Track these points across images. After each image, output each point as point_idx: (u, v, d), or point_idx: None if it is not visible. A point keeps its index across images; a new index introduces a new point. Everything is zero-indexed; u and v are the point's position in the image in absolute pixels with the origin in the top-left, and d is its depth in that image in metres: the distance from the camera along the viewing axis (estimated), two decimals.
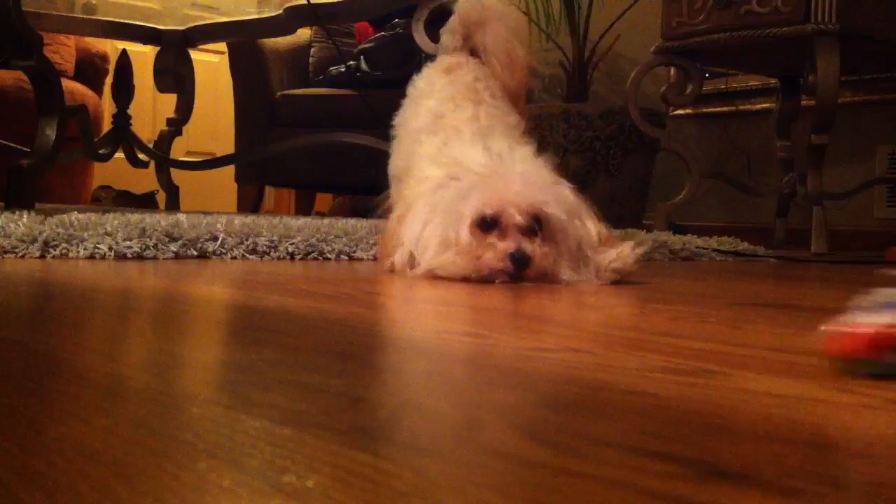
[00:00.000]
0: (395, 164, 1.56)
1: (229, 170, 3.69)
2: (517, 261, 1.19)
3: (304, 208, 4.20)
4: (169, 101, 3.33)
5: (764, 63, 2.89)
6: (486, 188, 1.23)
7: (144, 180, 3.76)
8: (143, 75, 3.31)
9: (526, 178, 1.25)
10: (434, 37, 2.21)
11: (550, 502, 0.31)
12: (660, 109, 3.18)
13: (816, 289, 1.44)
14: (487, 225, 1.22)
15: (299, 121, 3.42)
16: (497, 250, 1.20)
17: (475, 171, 1.27)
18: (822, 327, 0.56)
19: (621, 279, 1.24)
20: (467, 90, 1.51)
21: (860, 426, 0.44)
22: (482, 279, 1.21)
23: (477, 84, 1.53)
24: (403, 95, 1.65)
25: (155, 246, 1.46)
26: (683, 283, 1.39)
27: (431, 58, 1.76)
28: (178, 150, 3.72)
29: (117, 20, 2.94)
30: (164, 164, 3.25)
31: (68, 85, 3.32)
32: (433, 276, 1.24)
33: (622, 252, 1.26)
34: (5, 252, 1.35)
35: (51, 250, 1.39)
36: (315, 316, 0.84)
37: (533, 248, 1.20)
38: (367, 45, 3.46)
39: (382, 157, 1.65)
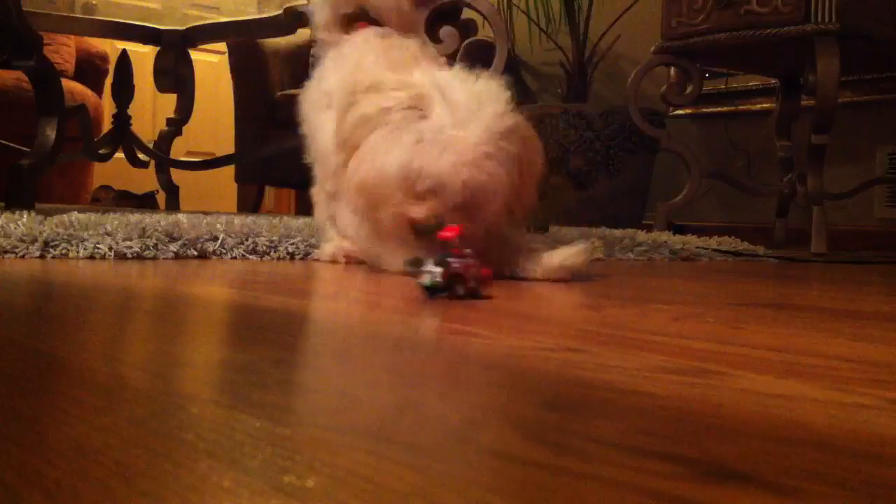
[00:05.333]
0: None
1: (229, 170, 3.69)
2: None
3: (304, 208, 4.20)
4: (169, 101, 3.33)
5: (764, 63, 2.89)
6: (426, 157, 1.16)
7: (144, 180, 3.76)
8: (143, 75, 3.31)
9: (468, 142, 1.16)
10: (434, 37, 2.21)
11: (550, 502, 0.31)
12: (660, 109, 3.18)
13: (816, 289, 1.44)
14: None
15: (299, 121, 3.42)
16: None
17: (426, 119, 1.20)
18: None
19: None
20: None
21: (860, 426, 0.44)
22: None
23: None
24: None
25: (155, 246, 1.46)
26: (683, 283, 1.39)
27: None
28: (178, 150, 3.72)
29: (117, 20, 2.94)
30: (164, 164, 3.25)
31: (68, 85, 3.32)
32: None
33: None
34: (5, 252, 1.35)
35: (51, 250, 1.39)
36: (315, 316, 0.84)
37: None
38: None
39: None
